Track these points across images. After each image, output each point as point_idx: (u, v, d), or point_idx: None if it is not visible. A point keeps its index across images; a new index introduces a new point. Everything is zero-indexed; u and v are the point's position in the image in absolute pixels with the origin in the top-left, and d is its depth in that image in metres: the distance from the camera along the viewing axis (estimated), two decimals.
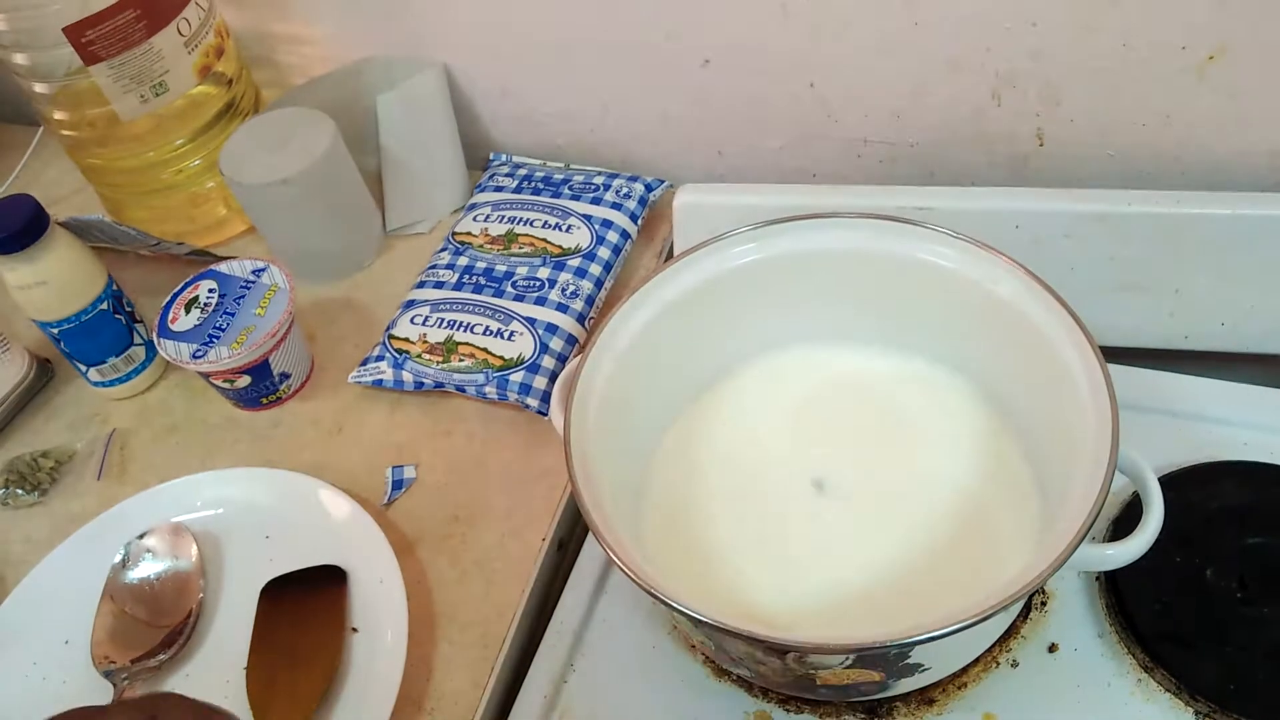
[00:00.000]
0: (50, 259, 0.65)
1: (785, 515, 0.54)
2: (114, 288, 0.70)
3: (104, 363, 0.70)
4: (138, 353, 0.72)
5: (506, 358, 0.66)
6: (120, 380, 0.72)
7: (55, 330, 0.68)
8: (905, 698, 0.52)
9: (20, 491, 0.68)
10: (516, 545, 0.61)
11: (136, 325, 0.72)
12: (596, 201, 0.74)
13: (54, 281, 0.66)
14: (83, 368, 0.71)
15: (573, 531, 0.64)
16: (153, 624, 0.59)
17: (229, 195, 0.80)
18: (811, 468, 0.56)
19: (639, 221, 0.75)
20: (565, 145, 0.82)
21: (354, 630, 0.57)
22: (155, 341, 0.67)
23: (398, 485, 0.65)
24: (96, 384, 0.72)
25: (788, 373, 0.60)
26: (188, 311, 0.67)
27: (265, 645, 0.57)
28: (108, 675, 0.57)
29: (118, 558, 0.61)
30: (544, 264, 0.71)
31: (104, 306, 0.68)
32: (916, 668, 0.47)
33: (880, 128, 0.71)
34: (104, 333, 0.69)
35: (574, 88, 0.77)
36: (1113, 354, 0.60)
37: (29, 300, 0.66)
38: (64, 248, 0.66)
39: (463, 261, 0.72)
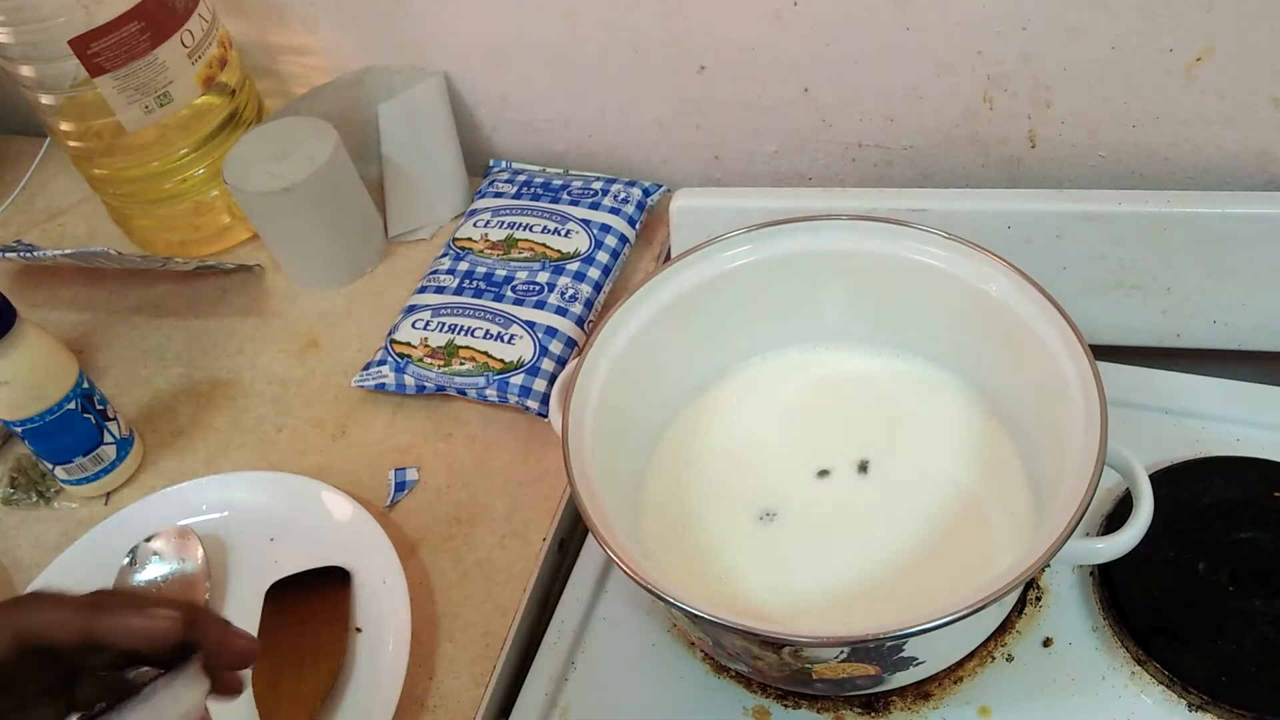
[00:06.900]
0: (16, 356, 0.60)
1: (781, 513, 0.55)
2: (84, 385, 0.65)
3: (71, 462, 0.66)
4: (108, 452, 0.67)
5: (506, 361, 0.67)
6: (89, 479, 0.67)
7: (19, 429, 0.63)
8: (901, 692, 0.52)
9: (28, 495, 0.69)
10: (517, 546, 0.62)
11: (108, 424, 0.67)
12: (595, 206, 0.75)
13: (18, 381, 0.61)
14: (49, 465, 0.67)
15: (573, 532, 0.65)
16: None
17: (233, 203, 0.81)
18: (807, 466, 0.57)
19: (637, 226, 0.76)
20: (564, 151, 0.83)
21: (358, 630, 0.58)
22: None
23: (400, 487, 0.65)
24: (65, 482, 0.68)
25: (783, 373, 0.61)
26: None
27: (270, 645, 0.57)
28: None
29: (125, 560, 0.62)
30: (543, 268, 0.72)
31: (71, 406, 0.64)
32: (911, 661, 0.48)
33: (874, 131, 0.71)
34: (71, 432, 0.65)
35: (572, 95, 0.78)
36: (1106, 352, 0.61)
37: None
38: (31, 345, 0.61)
39: (463, 266, 0.73)
